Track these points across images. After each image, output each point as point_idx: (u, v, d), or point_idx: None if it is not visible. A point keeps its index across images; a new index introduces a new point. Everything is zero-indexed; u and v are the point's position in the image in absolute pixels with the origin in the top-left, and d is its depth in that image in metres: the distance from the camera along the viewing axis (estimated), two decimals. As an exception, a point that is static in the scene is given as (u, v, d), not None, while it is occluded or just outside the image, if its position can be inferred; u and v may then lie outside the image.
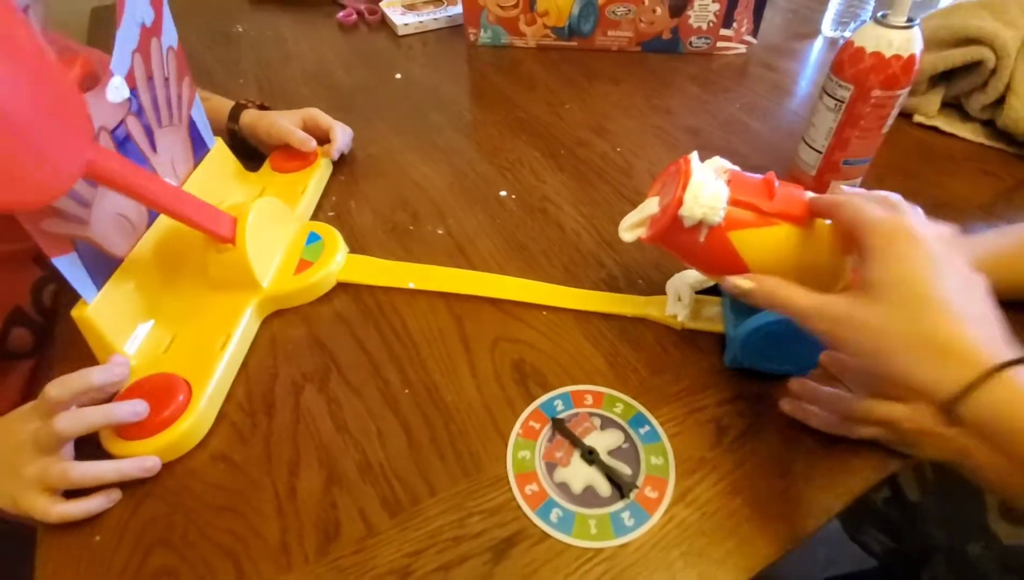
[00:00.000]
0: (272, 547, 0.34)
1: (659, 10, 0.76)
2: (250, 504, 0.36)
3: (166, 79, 0.43)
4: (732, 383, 0.41)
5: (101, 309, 0.39)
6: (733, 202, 0.33)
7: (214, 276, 0.45)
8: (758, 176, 0.35)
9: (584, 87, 0.75)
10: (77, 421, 0.34)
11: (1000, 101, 0.59)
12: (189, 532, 0.35)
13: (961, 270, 0.27)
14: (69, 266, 0.36)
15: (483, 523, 0.34)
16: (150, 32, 0.41)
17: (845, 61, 0.44)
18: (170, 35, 0.44)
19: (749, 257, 0.34)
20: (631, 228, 0.38)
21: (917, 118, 0.64)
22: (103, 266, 0.40)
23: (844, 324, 0.28)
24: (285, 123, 0.57)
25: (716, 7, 0.75)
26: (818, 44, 0.83)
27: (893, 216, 0.28)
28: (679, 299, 0.44)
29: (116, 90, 0.38)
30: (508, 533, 0.34)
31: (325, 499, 0.36)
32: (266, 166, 0.58)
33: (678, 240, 0.35)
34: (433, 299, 0.48)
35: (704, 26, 0.77)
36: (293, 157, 0.57)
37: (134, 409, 0.36)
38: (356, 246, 0.52)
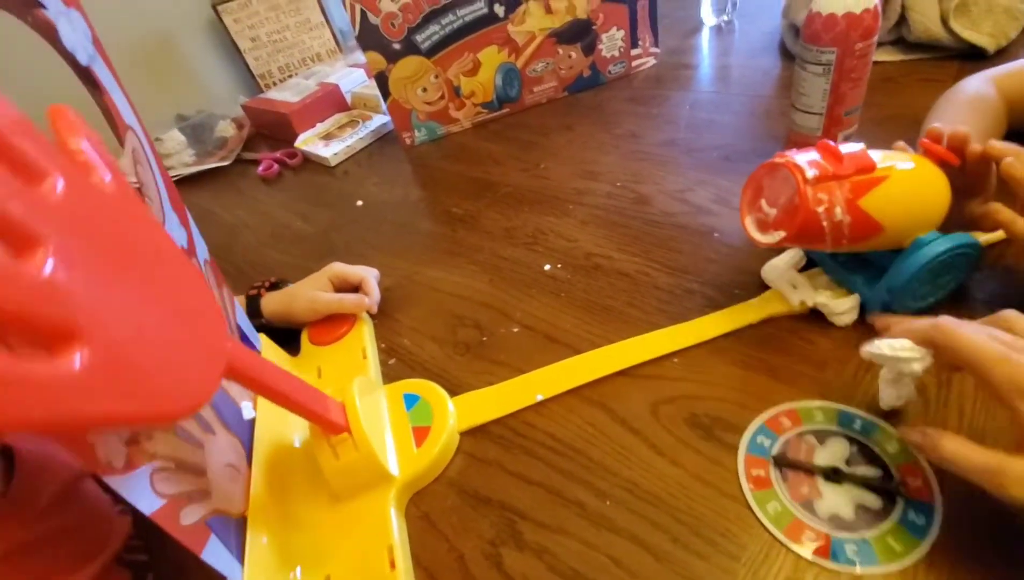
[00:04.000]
0: None
1: (574, 54, 0.80)
2: None
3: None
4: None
5: (255, 584, 0.32)
6: (849, 175, 0.36)
7: (339, 485, 0.39)
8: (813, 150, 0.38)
9: (544, 144, 0.76)
10: None
11: (899, 21, 0.67)
12: None
13: None
14: (216, 555, 0.30)
15: (797, 599, 0.31)
16: (187, 253, 0.35)
17: (820, 30, 0.48)
18: (201, 247, 0.38)
19: (879, 215, 0.37)
20: (764, 234, 0.40)
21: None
22: (231, 533, 0.33)
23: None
24: (326, 295, 0.52)
25: (621, 33, 0.80)
26: (705, 32, 0.92)
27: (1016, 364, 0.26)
28: (795, 287, 0.45)
29: None
30: (828, 595, 0.31)
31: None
32: (305, 343, 0.52)
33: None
34: (562, 399, 0.44)
35: (616, 53, 0.82)
36: (333, 323, 0.52)
37: None
38: (443, 384, 0.47)
